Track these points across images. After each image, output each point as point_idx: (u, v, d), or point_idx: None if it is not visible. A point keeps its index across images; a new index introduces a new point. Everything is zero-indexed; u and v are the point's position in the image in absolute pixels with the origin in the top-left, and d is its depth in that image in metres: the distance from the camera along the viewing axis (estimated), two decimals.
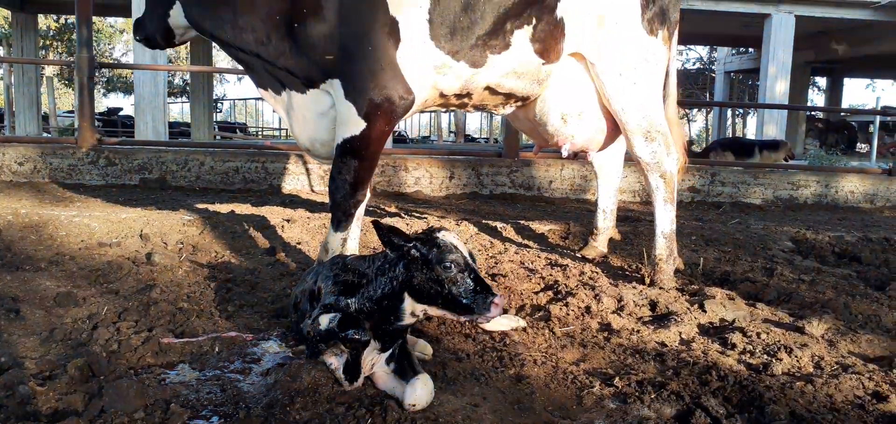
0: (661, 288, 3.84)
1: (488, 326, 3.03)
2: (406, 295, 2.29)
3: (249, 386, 2.36)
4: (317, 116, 3.58)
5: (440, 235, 2.30)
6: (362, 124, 3.39)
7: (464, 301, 2.22)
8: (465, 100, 3.84)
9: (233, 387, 2.32)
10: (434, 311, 2.31)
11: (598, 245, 4.70)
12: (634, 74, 3.92)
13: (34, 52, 21.08)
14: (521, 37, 3.65)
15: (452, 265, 2.23)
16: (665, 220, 4.06)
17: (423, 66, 3.47)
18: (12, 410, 2.01)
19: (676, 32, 4.18)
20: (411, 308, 2.31)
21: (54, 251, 4.09)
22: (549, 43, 3.74)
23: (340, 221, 3.55)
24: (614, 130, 4.20)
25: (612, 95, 3.95)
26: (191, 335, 2.81)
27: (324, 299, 2.44)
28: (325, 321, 2.31)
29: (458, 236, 2.36)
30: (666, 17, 4.01)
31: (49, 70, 29.61)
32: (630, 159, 4.38)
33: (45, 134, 20.89)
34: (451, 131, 34.85)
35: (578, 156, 4.47)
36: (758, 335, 3.04)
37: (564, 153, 4.22)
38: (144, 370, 2.46)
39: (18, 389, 2.11)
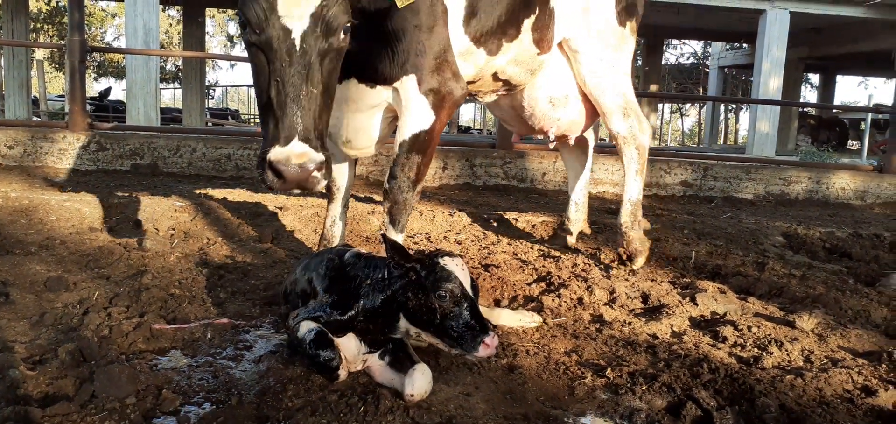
0: (632, 253, 4.18)
1: (504, 322, 3.03)
2: (401, 315, 2.28)
3: (242, 373, 2.35)
4: (369, 109, 3.43)
5: (443, 260, 2.26)
6: (432, 118, 3.31)
7: (454, 334, 2.18)
8: (471, 87, 3.85)
9: (225, 374, 2.32)
10: (426, 337, 2.29)
11: (571, 238, 4.85)
12: (612, 57, 4.26)
13: (25, 34, 20.88)
14: (527, 26, 3.78)
15: (447, 295, 2.19)
16: (635, 189, 4.45)
17: (457, 53, 3.45)
18: (2, 394, 2.00)
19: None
20: (406, 328, 2.30)
21: (45, 236, 4.06)
22: (544, 32, 3.93)
23: (399, 220, 3.36)
24: (591, 114, 4.49)
25: (592, 78, 4.25)
26: (182, 322, 2.80)
27: (313, 306, 2.43)
28: (303, 329, 2.31)
29: (463, 264, 2.30)
30: (634, 10, 4.40)
31: (39, 53, 29.35)
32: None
33: (35, 118, 20.73)
34: None
35: (558, 142, 4.72)
36: (749, 328, 3.06)
37: (552, 136, 4.46)
38: (136, 355, 2.45)
39: (9, 373, 2.09)
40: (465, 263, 2.32)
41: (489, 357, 2.23)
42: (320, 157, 2.36)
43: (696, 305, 3.42)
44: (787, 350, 2.80)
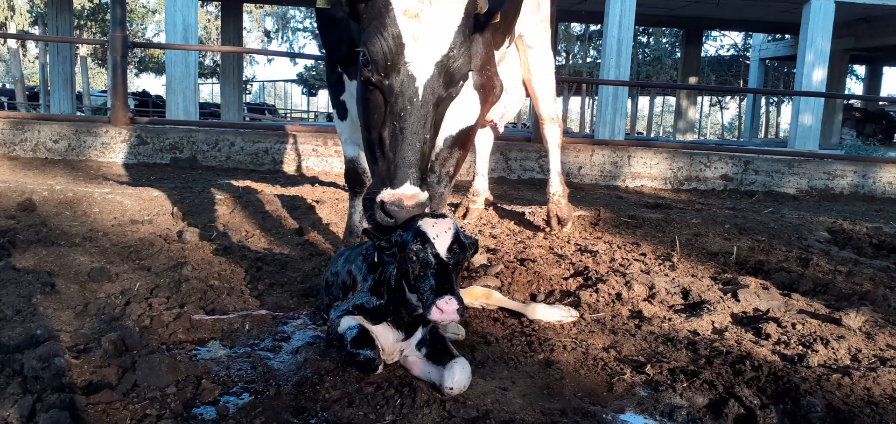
0: (561, 220, 4.84)
1: (539, 317, 3.00)
2: (405, 288, 2.25)
3: (280, 364, 2.37)
4: None
5: (421, 221, 2.21)
6: (478, 113, 3.31)
7: (422, 295, 2.13)
8: None
9: (263, 365, 2.33)
10: (417, 302, 2.24)
11: (477, 205, 5.40)
12: (547, 49, 4.92)
13: (69, 31, 21.39)
14: (514, 24, 3.87)
15: (415, 256, 2.15)
16: (558, 161, 5.20)
17: None
18: (48, 381, 2.04)
19: None
20: (412, 298, 2.26)
21: (88, 227, 4.15)
22: (512, 26, 3.99)
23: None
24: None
25: (536, 67, 4.83)
26: (221, 313, 2.83)
27: (352, 297, 2.42)
28: (343, 326, 2.29)
29: (449, 225, 2.22)
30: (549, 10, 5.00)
31: (83, 50, 30.05)
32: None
33: (78, 113, 21.23)
34: None
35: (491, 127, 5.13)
36: (793, 325, 2.98)
37: (501, 126, 4.85)
38: (176, 345, 2.48)
39: (54, 361, 2.14)
40: (453, 222, 2.24)
41: (443, 322, 2.12)
42: (425, 196, 2.34)
43: (738, 301, 3.34)
44: (833, 348, 2.72)
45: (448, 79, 2.41)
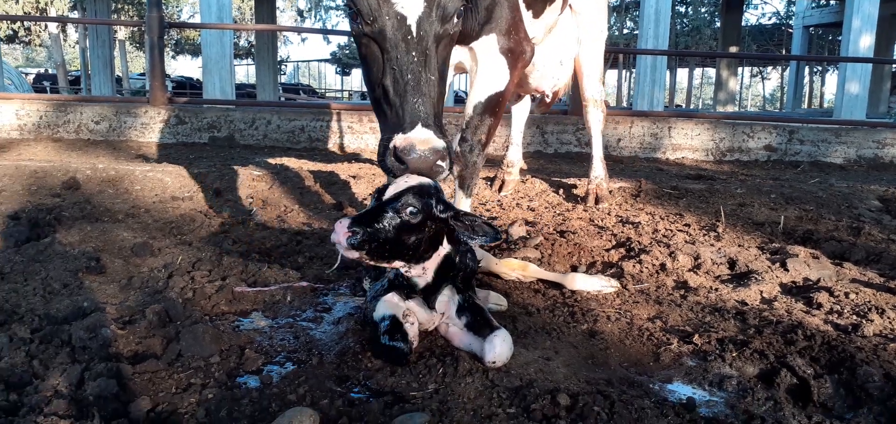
0: (600, 199, 4.75)
1: (579, 286, 2.95)
2: None
3: (321, 334, 2.36)
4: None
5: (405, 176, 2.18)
6: (507, 78, 3.22)
7: None
8: None
9: (305, 335, 2.33)
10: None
11: (513, 177, 5.32)
12: (602, 24, 4.72)
13: (107, 15, 21.72)
14: None
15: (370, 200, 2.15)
16: (601, 146, 5.00)
17: None
18: (96, 351, 2.07)
19: None
20: None
21: (131, 204, 4.21)
22: None
23: (469, 185, 3.26)
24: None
25: (588, 41, 4.64)
26: (263, 285, 2.84)
27: (390, 270, 2.37)
28: (378, 313, 2.22)
29: (414, 180, 2.15)
30: None
31: (121, 34, 30.54)
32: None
33: (118, 96, 21.58)
34: None
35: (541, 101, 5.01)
36: (846, 295, 2.87)
37: (549, 94, 4.69)
38: (219, 317, 2.49)
39: (101, 332, 2.16)
40: (427, 186, 2.16)
41: (333, 242, 2.04)
42: (442, 143, 2.23)
43: (787, 270, 3.24)
44: (889, 318, 2.62)
45: (441, 13, 2.33)
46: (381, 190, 2.18)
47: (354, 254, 2.05)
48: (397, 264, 2.18)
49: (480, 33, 3.12)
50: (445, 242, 2.26)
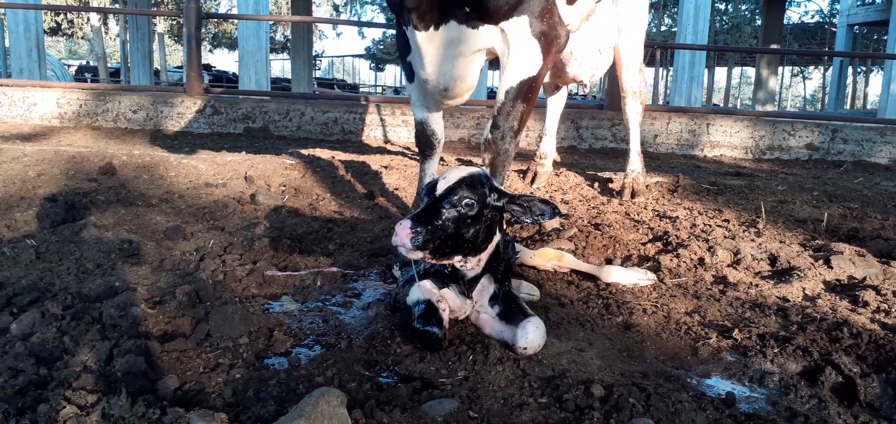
0: (635, 193, 4.64)
1: (614, 279, 2.89)
2: None
3: (351, 319, 2.33)
4: (471, 52, 3.24)
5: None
6: (540, 63, 3.15)
7: None
8: None
9: (335, 319, 2.30)
10: None
11: (545, 169, 5.24)
12: (643, 12, 4.63)
13: (147, 7, 22.10)
14: None
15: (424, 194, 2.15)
16: (638, 140, 4.91)
17: None
18: (126, 329, 2.07)
19: None
20: None
21: (165, 190, 4.23)
22: None
23: (501, 172, 3.21)
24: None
25: (628, 30, 4.53)
26: (293, 270, 2.82)
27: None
28: (412, 298, 2.20)
29: (463, 171, 2.13)
30: None
31: (160, 27, 31.06)
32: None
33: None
34: None
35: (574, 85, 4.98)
36: (894, 293, 2.76)
37: (588, 85, 4.70)
38: (248, 299, 2.48)
39: (131, 310, 2.16)
40: (475, 174, 2.13)
41: (395, 245, 2.00)
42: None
43: (831, 268, 3.12)
44: None
45: None
46: (431, 186, 2.14)
47: (418, 255, 2.01)
48: (457, 259, 2.14)
49: (511, 13, 3.04)
50: (497, 231, 2.22)
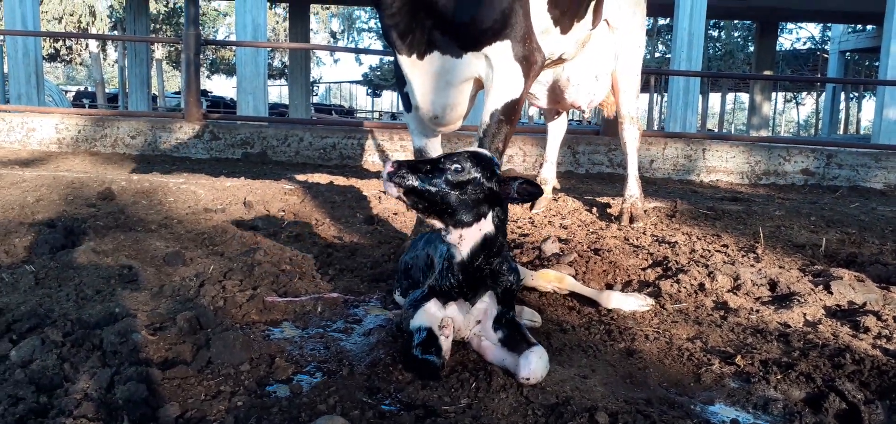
0: (634, 218, 4.64)
1: (614, 305, 2.88)
2: None
3: (352, 345, 2.32)
4: (460, 81, 3.31)
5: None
6: (522, 85, 3.27)
7: None
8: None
9: (336, 345, 2.29)
10: None
11: (545, 195, 5.21)
12: (639, 39, 4.72)
13: (145, 34, 22.21)
14: (590, 5, 3.86)
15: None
16: (636, 164, 4.96)
17: (536, 28, 3.35)
18: (126, 356, 2.05)
19: None
20: None
21: (164, 215, 4.23)
22: (599, 10, 4.06)
23: None
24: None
25: (625, 56, 4.58)
26: (294, 295, 2.81)
27: (430, 278, 2.33)
28: (414, 324, 2.18)
29: (468, 152, 2.22)
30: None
31: (158, 53, 31.19)
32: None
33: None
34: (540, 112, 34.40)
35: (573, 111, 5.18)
36: (894, 319, 2.76)
37: (587, 110, 4.88)
38: (249, 325, 2.47)
39: (132, 337, 2.15)
40: (485, 158, 2.20)
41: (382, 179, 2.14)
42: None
43: (831, 293, 3.12)
44: None
45: None
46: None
47: (394, 190, 2.11)
48: (434, 220, 2.20)
49: (493, 39, 3.15)
50: (489, 220, 2.19)
